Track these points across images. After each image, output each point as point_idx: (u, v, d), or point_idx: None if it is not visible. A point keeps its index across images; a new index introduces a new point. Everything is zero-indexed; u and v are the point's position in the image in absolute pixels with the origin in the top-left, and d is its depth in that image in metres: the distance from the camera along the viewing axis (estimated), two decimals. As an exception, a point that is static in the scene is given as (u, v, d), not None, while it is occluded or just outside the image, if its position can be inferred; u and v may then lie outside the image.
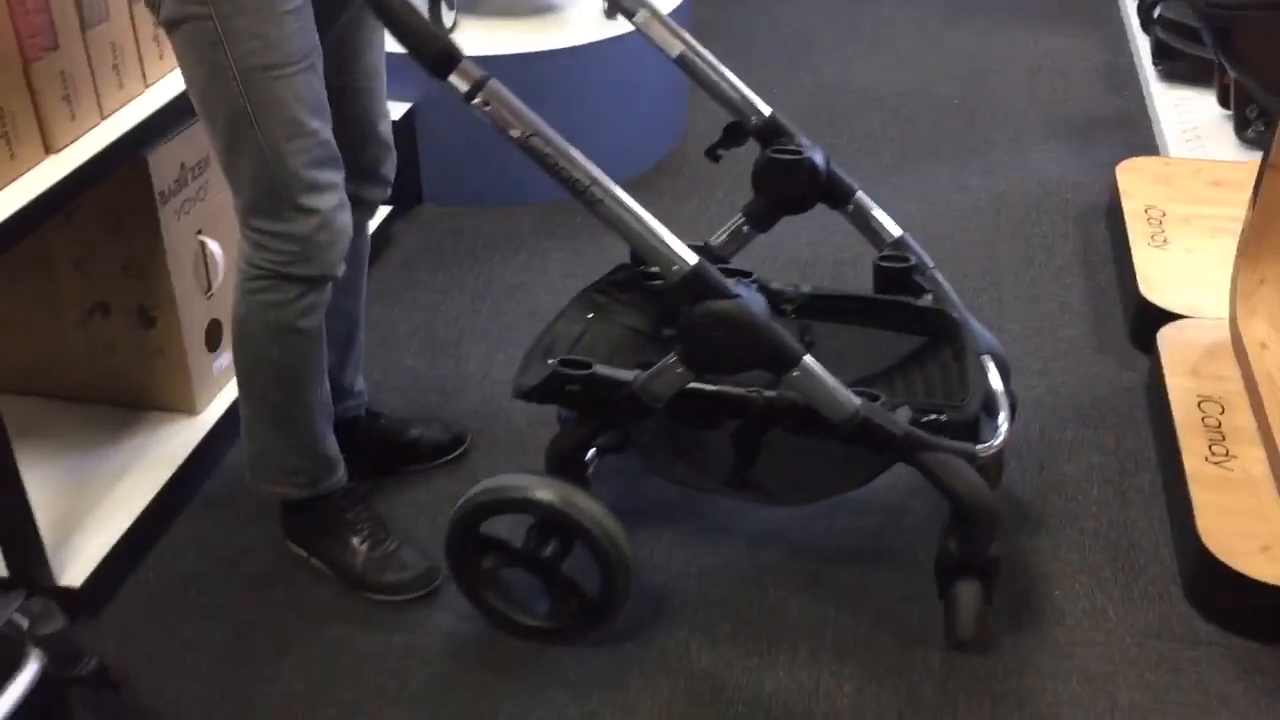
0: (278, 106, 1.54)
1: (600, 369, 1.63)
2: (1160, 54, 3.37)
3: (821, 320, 1.85)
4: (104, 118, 1.81)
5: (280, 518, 1.91)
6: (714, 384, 1.63)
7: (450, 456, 2.10)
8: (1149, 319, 2.31)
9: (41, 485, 1.89)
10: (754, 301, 1.54)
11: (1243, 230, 2.15)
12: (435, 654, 1.75)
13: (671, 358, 1.58)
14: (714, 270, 1.51)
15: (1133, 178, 2.76)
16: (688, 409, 1.64)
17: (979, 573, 1.63)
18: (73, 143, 1.75)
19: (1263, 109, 2.91)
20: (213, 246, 2.06)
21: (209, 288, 2.07)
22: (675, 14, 3.01)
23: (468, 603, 1.78)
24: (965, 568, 1.63)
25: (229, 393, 2.14)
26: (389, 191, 1.89)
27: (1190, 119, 3.13)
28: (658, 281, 1.84)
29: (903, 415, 1.59)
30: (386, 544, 1.86)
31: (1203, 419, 2.01)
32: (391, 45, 1.59)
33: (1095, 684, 1.69)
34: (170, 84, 1.94)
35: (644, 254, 1.51)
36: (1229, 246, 2.21)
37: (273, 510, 1.92)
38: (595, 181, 1.47)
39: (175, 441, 2.04)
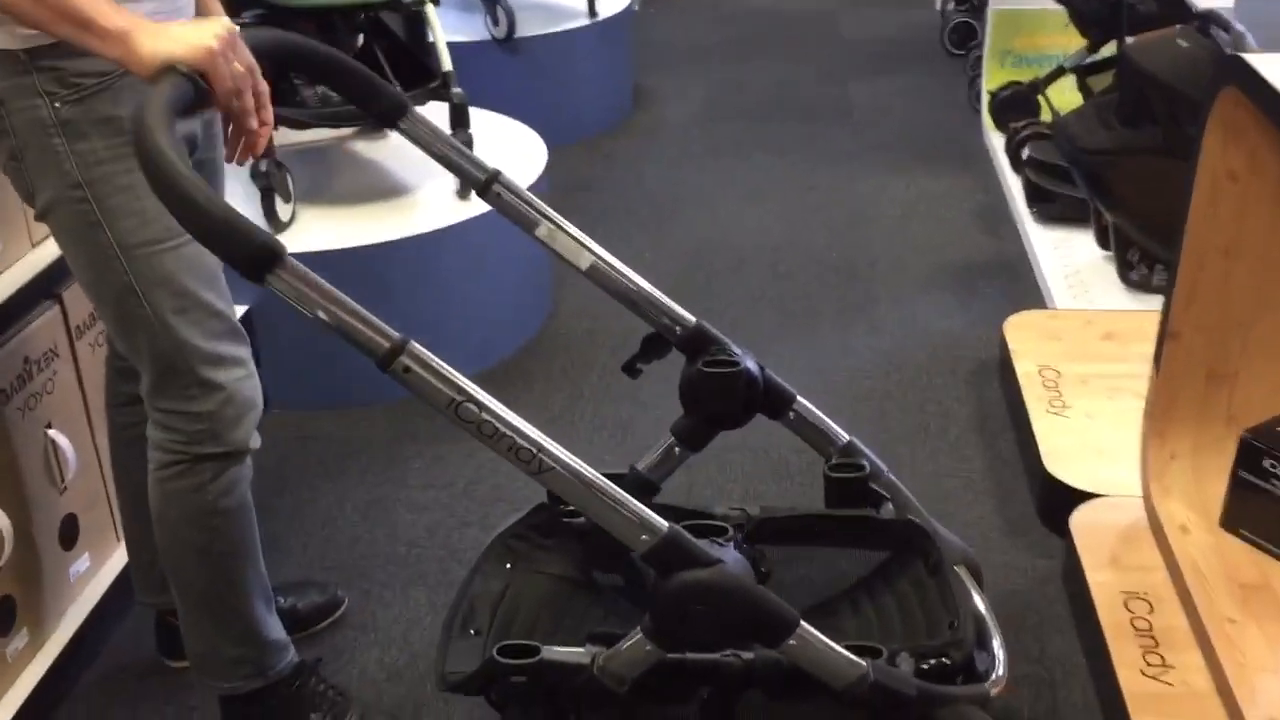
0: (166, 281, 1.49)
1: (549, 652, 1.39)
2: (1034, 196, 3.30)
3: (775, 544, 1.63)
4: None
5: (223, 716, 1.73)
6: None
7: (332, 619, 2.02)
8: (1058, 498, 2.16)
9: None
10: (737, 565, 1.32)
11: (1147, 402, 2.02)
12: None
13: (637, 634, 1.36)
14: (688, 536, 1.30)
15: (1022, 334, 2.63)
16: (653, 683, 1.40)
17: None
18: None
19: (1145, 251, 2.84)
20: (62, 441, 1.89)
21: (61, 483, 1.91)
22: (534, 187, 2.85)
23: None
24: None
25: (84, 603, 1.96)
26: None
27: (1071, 262, 3.05)
28: (581, 519, 1.63)
29: (905, 664, 1.39)
30: (349, 717, 1.77)
31: (1131, 620, 1.84)
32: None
33: None
34: (7, 281, 1.84)
35: (605, 526, 1.29)
36: (1131, 409, 2.08)
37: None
38: (541, 448, 1.25)
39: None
